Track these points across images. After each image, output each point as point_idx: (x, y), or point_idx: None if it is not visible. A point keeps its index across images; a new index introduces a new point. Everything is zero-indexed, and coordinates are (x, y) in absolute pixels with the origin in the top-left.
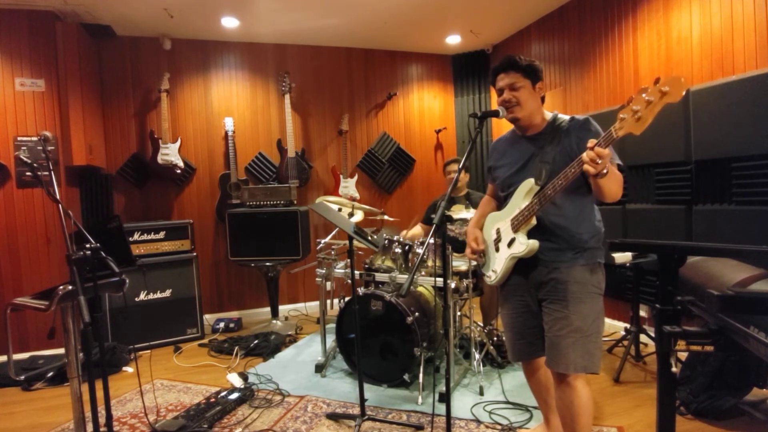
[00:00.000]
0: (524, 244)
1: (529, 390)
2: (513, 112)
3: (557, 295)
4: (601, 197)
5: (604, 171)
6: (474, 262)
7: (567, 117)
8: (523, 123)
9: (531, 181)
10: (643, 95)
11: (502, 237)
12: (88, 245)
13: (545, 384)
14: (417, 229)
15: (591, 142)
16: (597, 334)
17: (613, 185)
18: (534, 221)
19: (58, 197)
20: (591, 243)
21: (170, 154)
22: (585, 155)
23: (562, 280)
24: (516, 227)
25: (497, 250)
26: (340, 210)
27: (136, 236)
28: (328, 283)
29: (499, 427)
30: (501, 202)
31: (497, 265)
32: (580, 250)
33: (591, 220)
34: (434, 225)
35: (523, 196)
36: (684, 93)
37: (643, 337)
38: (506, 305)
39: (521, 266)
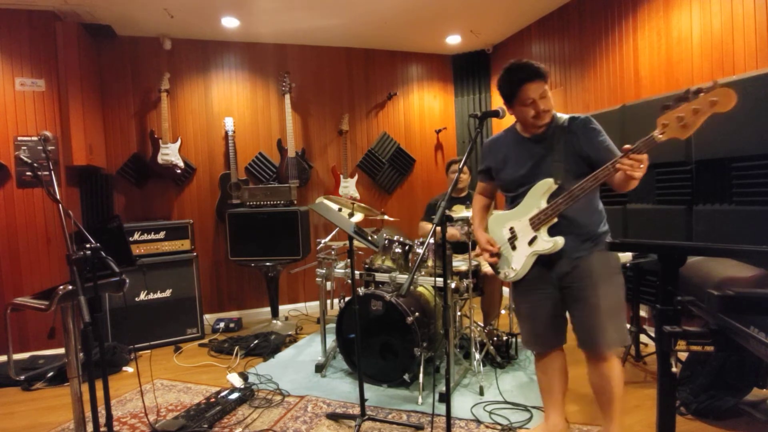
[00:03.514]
0: (550, 242)
1: (529, 390)
2: (544, 119)
3: (583, 282)
4: (622, 189)
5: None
6: (478, 262)
7: (565, 116)
8: (545, 127)
9: (550, 180)
10: (690, 105)
11: (518, 235)
12: (88, 245)
13: (558, 374)
14: (428, 227)
15: (626, 148)
16: (623, 307)
17: (637, 181)
18: (555, 219)
19: (58, 197)
20: (603, 229)
21: (170, 154)
22: (625, 162)
23: (586, 267)
24: (537, 226)
25: (514, 248)
26: (340, 210)
27: (136, 236)
28: (328, 283)
29: (499, 427)
30: (495, 200)
31: (516, 263)
32: (595, 239)
33: (599, 209)
34: (434, 225)
35: (540, 196)
36: (734, 104)
37: (643, 337)
38: (526, 298)
39: (541, 259)
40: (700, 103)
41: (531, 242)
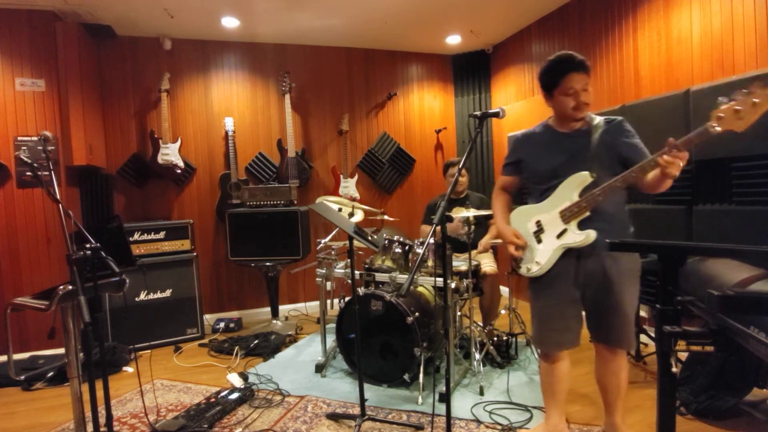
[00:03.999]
0: (582, 234)
1: (529, 390)
2: (583, 111)
3: (613, 280)
4: (654, 190)
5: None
6: (477, 262)
7: (600, 117)
8: (581, 122)
9: (585, 173)
10: (750, 98)
11: (545, 229)
12: (88, 245)
13: (562, 375)
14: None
15: (671, 141)
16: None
17: (671, 182)
18: (588, 212)
19: (58, 197)
20: (630, 227)
21: (170, 154)
22: (666, 158)
23: (614, 266)
24: (568, 218)
25: (539, 241)
26: (340, 210)
27: (136, 236)
28: (328, 283)
29: (499, 427)
30: (522, 195)
31: (541, 257)
32: (628, 229)
33: (625, 206)
34: (434, 225)
35: (573, 188)
36: None
37: (643, 337)
38: (545, 295)
39: (568, 255)
40: (760, 96)
41: (560, 235)
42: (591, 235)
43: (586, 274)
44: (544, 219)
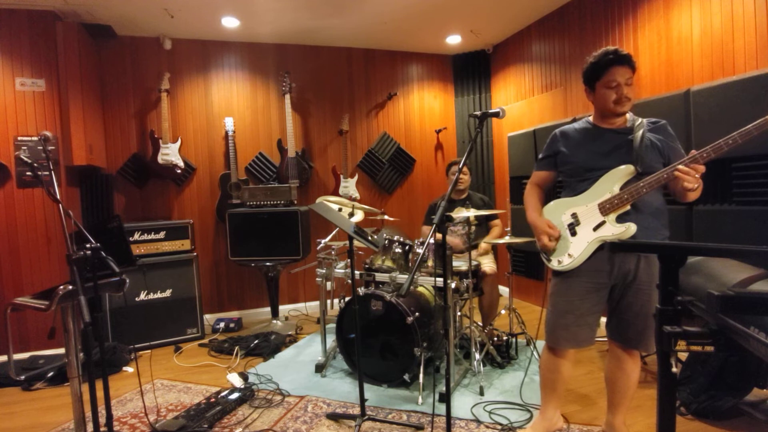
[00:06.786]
0: (621, 227)
1: (529, 390)
2: (624, 107)
3: (642, 284)
4: (683, 199)
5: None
6: (477, 262)
7: (641, 118)
8: (623, 119)
9: (630, 167)
10: None
11: (581, 221)
12: (88, 245)
13: (566, 372)
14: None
15: (692, 153)
16: None
17: (694, 194)
18: (628, 206)
19: (58, 197)
20: (667, 226)
21: (170, 154)
22: (682, 168)
23: (647, 268)
24: (607, 211)
25: (573, 234)
26: (340, 210)
27: (136, 236)
28: (329, 283)
29: (499, 427)
30: (555, 190)
31: (575, 250)
32: (665, 231)
33: (665, 203)
34: (434, 225)
35: (615, 181)
36: None
37: None
38: (571, 289)
39: (599, 251)
40: None
41: (597, 228)
42: (631, 227)
43: (618, 273)
44: (580, 211)
